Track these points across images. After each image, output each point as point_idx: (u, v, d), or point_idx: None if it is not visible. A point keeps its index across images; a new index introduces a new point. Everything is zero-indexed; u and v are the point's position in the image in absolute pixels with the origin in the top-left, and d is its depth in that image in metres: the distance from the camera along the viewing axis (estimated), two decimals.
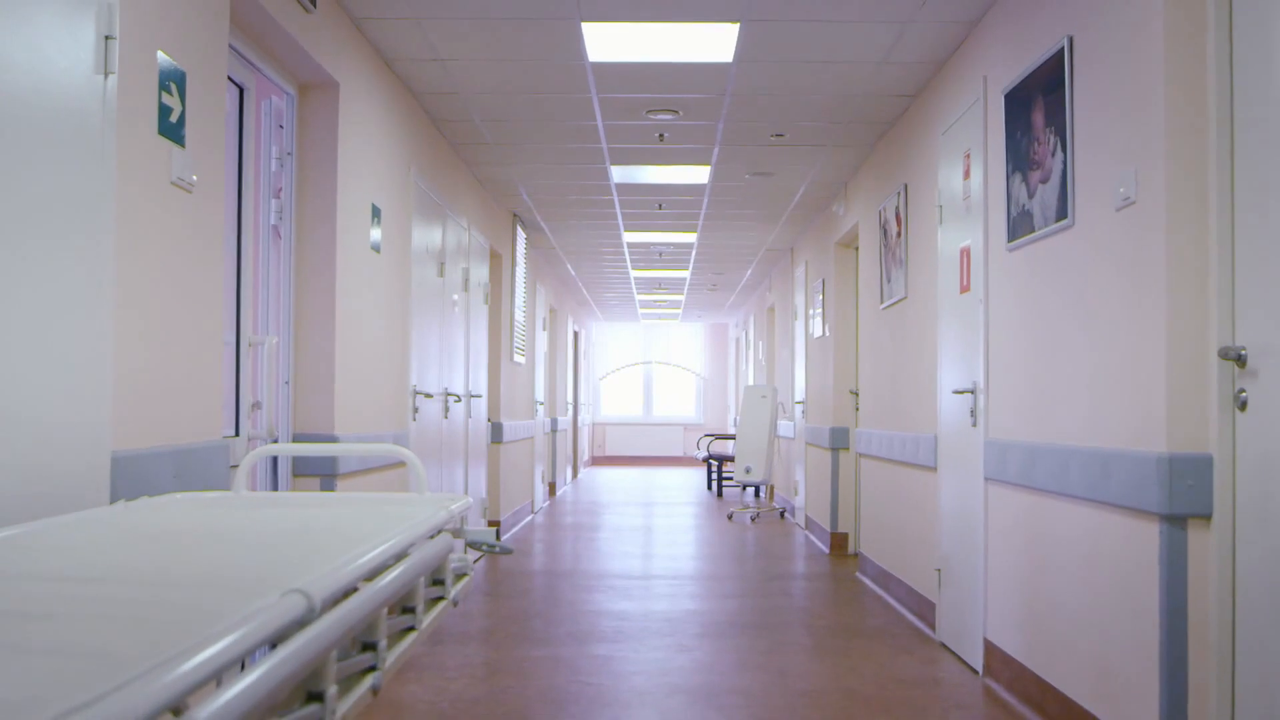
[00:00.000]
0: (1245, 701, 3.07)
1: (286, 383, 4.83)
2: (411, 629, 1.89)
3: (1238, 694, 3.12)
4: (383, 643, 1.66)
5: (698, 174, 8.37)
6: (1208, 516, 3.20)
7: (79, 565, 1.68)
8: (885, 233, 7.16)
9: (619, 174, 8.38)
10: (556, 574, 7.88)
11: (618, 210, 9.88)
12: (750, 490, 15.79)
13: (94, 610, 1.37)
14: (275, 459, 4.73)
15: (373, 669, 1.64)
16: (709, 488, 16.21)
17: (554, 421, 14.68)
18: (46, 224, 2.55)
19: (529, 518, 11.81)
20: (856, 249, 8.94)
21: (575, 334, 18.30)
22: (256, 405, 4.49)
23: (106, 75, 2.81)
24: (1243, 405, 3.11)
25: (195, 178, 3.41)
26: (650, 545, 9.66)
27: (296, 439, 4.85)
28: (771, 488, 14.28)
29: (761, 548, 9.55)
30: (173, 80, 3.24)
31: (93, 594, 1.47)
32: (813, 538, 10.21)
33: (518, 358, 10.73)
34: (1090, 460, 3.73)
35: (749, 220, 10.38)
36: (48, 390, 2.56)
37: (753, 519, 12.02)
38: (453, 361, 7.71)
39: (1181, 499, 3.21)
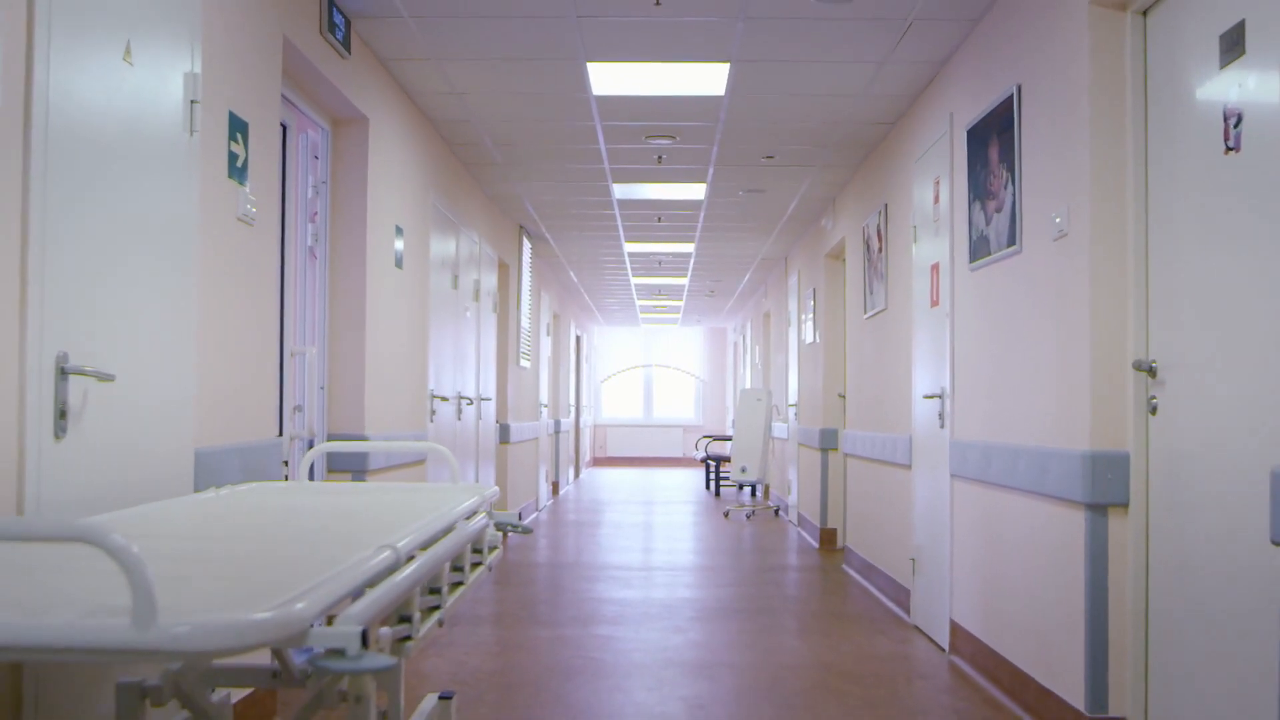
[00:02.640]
0: (1157, 662, 3.61)
1: (321, 388, 5.37)
2: (460, 584, 2.43)
3: (1151, 656, 3.66)
4: (445, 589, 2.21)
5: (694, 191, 8.92)
6: (1125, 505, 3.74)
7: (216, 529, 2.22)
8: (868, 248, 7.70)
9: (620, 190, 8.93)
10: (561, 565, 8.41)
11: (619, 223, 10.43)
12: (746, 489, 16.32)
13: (244, 556, 1.91)
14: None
15: (437, 608, 2.18)
16: (707, 487, 16.75)
17: (557, 423, 15.21)
18: (152, 263, 3.09)
19: (534, 515, 12.35)
20: (844, 261, 9.47)
21: (578, 338, 18.85)
22: (298, 408, 5.03)
23: (192, 133, 3.35)
24: (1154, 410, 3.65)
25: (255, 211, 3.96)
26: (650, 540, 10.20)
27: (331, 438, 5.39)
28: (767, 487, 14.83)
29: (755, 543, 10.09)
30: (239, 131, 3.79)
31: (234, 549, 2.01)
32: (804, 533, 10.75)
33: (524, 362, 11.27)
34: (1032, 457, 4.27)
35: (744, 232, 10.92)
36: (151, 397, 3.10)
37: (748, 516, 12.55)
38: (464, 367, 8.25)
39: (1102, 490, 3.75)
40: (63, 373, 2.64)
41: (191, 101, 3.35)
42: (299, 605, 1.51)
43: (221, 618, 1.43)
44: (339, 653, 1.51)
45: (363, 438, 5.46)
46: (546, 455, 13.76)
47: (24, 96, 2.54)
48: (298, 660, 2.34)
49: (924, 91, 6.14)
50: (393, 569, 1.96)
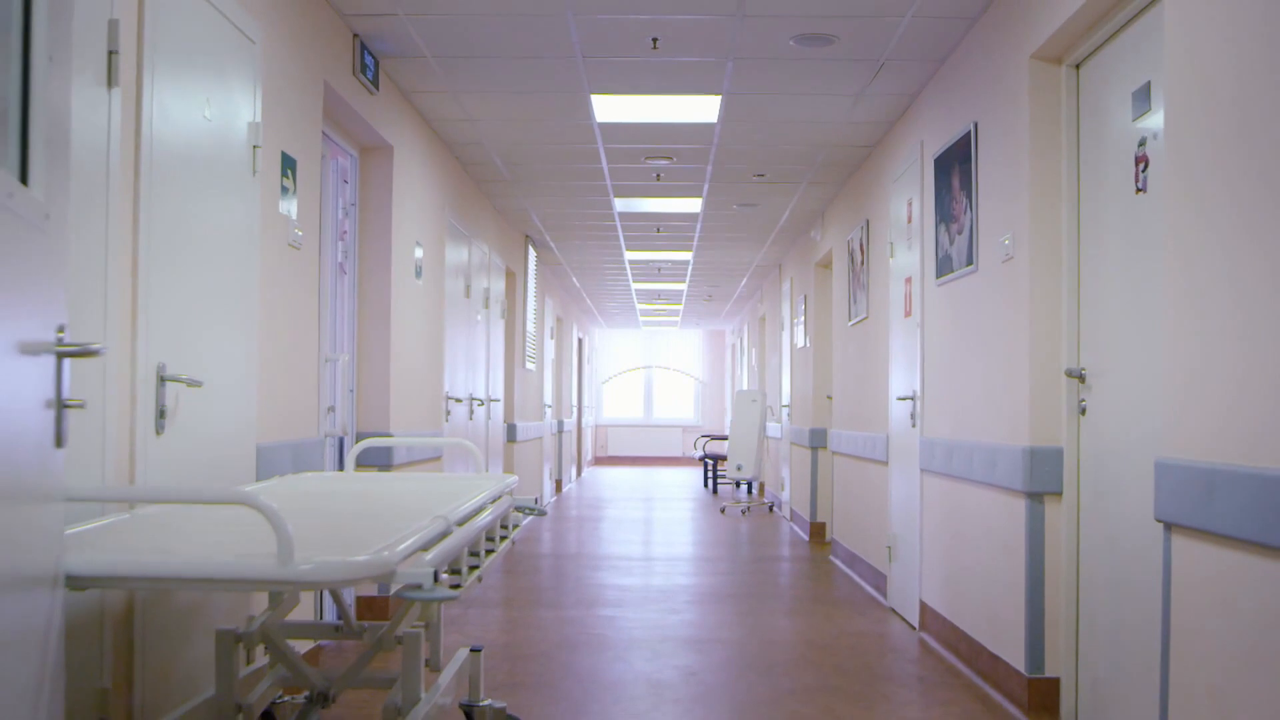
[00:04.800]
0: (1085, 628, 4.18)
1: (351, 390, 5.94)
2: (492, 550, 3.00)
3: (1080, 623, 4.22)
4: (482, 553, 2.77)
5: (691, 205, 9.49)
6: (1059, 493, 4.31)
7: (297, 506, 2.79)
8: (852, 259, 8.26)
9: (621, 204, 9.50)
10: (565, 556, 8.98)
11: (620, 233, 10.99)
12: (743, 487, 16.88)
13: (329, 524, 2.47)
14: (341, 450, 5.83)
15: (476, 567, 2.75)
16: (705, 485, 17.31)
17: (560, 423, 15.77)
18: (223, 285, 3.66)
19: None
20: (832, 270, 10.03)
21: (580, 340, 19.40)
22: (330, 409, 5.60)
23: (254, 173, 3.92)
24: (1083, 411, 4.21)
25: (301, 235, 4.52)
26: (649, 534, 10.76)
27: (359, 436, 5.95)
28: (762, 484, 15.39)
29: (748, 536, 10.66)
30: (289, 168, 4.35)
31: (320, 519, 2.57)
32: (795, 528, 11.31)
33: (529, 365, 11.83)
34: (985, 452, 4.84)
35: (739, 241, 11.49)
36: (224, 400, 3.66)
37: (743, 512, 13.12)
38: (475, 370, 8.82)
39: (1040, 480, 4.32)
40: (162, 380, 3.20)
41: (254, 146, 3.91)
42: (385, 553, 2.08)
43: (335, 559, 1.99)
44: (416, 587, 2.07)
45: (387, 435, 6.02)
46: (550, 454, 14.32)
47: (134, 156, 3.10)
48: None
49: (899, 120, 6.71)
50: (444, 534, 2.52)
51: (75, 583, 1.95)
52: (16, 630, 1.65)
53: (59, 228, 1.81)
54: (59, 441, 1.84)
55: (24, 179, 1.71)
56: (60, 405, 1.83)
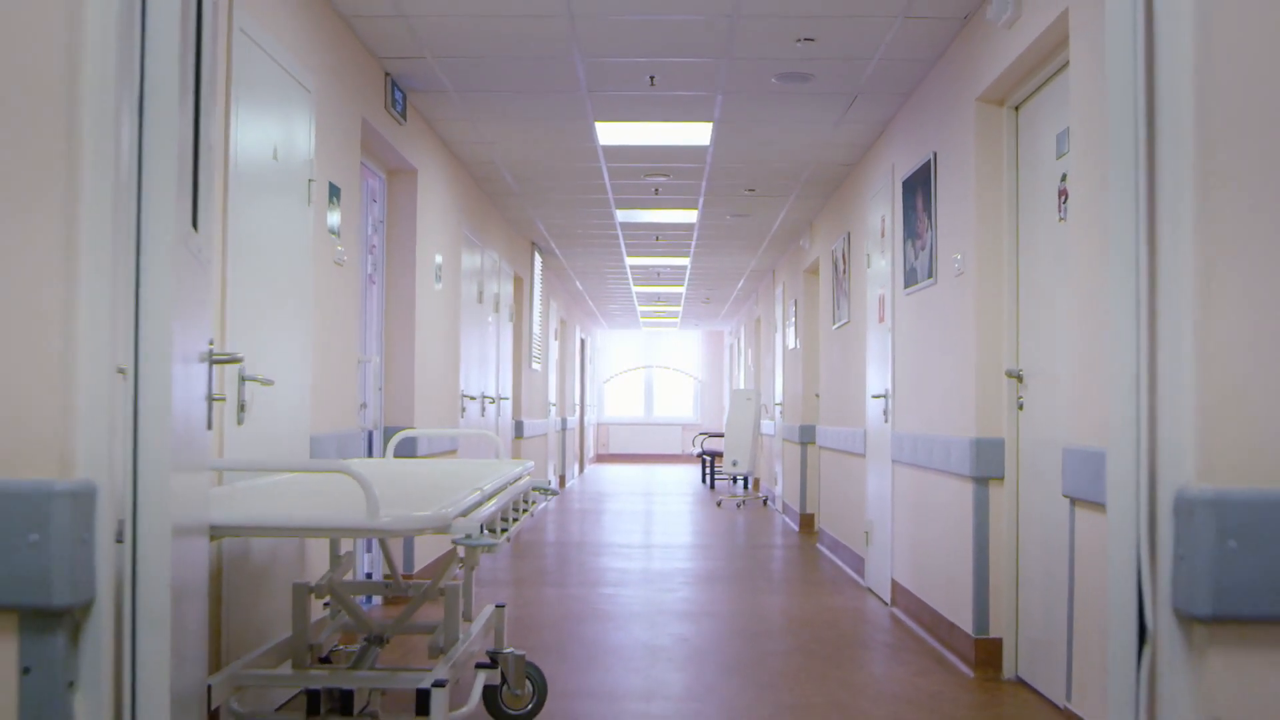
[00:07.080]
0: (1023, 593, 4.84)
1: (379, 389, 6.61)
2: (518, 519, 3.66)
3: (1020, 589, 4.89)
4: (510, 519, 3.44)
5: (687, 215, 10.16)
6: (1001, 478, 4.97)
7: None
8: (836, 268, 8.93)
9: (622, 215, 10.17)
10: (569, 544, 9.65)
11: (621, 240, 11.66)
12: (739, 482, 17.55)
13: (392, 494, 3.14)
14: (370, 442, 6.50)
15: (506, 530, 3.42)
16: (703, 481, 17.98)
17: (564, 421, 16.44)
18: (286, 298, 4.32)
19: (544, 504, 13.58)
20: (819, 276, 10.68)
21: (582, 341, 20.07)
22: (363, 405, 6.26)
23: (309, 203, 4.59)
24: (1021, 407, 4.88)
25: (343, 251, 5.19)
26: (649, 525, 11.43)
27: (387, 430, 6.62)
28: (757, 479, 16.06)
29: (742, 527, 11.33)
30: (334, 196, 5.02)
31: (381, 491, 3.23)
32: (787, 520, 11.98)
33: (535, 365, 12.50)
34: (943, 444, 5.51)
35: (733, 248, 12.16)
36: (287, 396, 4.33)
37: (738, 505, 13.79)
38: (486, 370, 9.49)
39: (985, 467, 4.98)
40: (242, 379, 3.87)
41: (309, 180, 4.58)
42: (444, 511, 2.74)
43: (408, 513, 2.66)
44: (467, 536, 2.74)
45: (412, 428, 6.68)
46: (554, 450, 14.99)
47: (223, 196, 3.77)
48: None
49: (874, 144, 7.38)
50: (481, 502, 3.19)
51: (214, 532, 2.61)
52: (195, 570, 2.32)
53: (214, 263, 2.48)
54: (209, 425, 2.51)
55: (195, 226, 2.38)
56: (210, 399, 2.50)
